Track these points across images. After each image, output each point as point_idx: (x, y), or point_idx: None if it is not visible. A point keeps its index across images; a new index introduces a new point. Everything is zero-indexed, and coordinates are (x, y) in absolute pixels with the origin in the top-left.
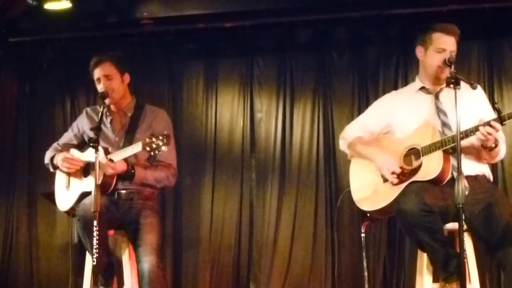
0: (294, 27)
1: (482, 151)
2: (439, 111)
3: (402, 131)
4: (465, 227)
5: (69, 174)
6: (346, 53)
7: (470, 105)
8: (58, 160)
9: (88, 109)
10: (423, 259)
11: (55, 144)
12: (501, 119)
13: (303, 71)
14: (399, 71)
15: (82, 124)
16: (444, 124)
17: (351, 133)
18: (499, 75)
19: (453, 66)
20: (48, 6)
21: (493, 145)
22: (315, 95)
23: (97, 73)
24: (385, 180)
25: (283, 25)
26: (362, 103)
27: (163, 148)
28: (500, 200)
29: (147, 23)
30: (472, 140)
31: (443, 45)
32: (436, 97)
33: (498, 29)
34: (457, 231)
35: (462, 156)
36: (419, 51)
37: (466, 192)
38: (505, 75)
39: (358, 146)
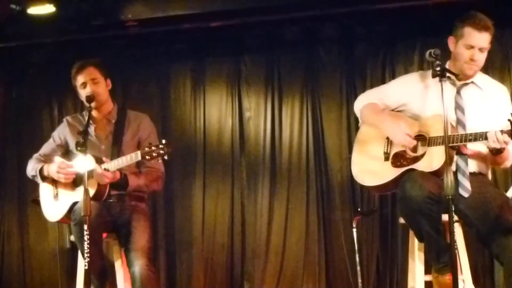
0: (280, 25)
1: (488, 156)
2: (457, 106)
3: (416, 114)
4: (456, 218)
5: (56, 185)
6: (333, 50)
7: (490, 107)
8: (51, 170)
9: (68, 118)
10: (414, 250)
11: (36, 155)
12: None
13: (291, 68)
14: (386, 67)
15: (64, 134)
16: (459, 121)
17: (368, 98)
18: (485, 68)
19: (438, 58)
20: (31, 10)
21: (499, 147)
22: (303, 93)
23: (83, 77)
24: (386, 159)
25: (269, 23)
26: (350, 100)
27: (165, 157)
28: (493, 192)
29: (132, 25)
30: (480, 145)
31: (472, 42)
32: (458, 92)
33: None
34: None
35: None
36: (451, 41)
37: (466, 195)
38: (492, 69)
39: (371, 111)
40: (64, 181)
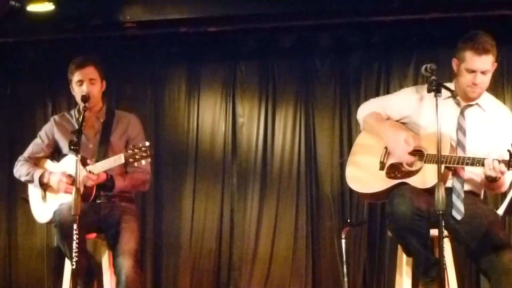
0: (277, 32)
1: (483, 181)
2: (459, 128)
3: (418, 128)
4: (445, 233)
5: (45, 186)
6: (328, 59)
7: (493, 130)
8: (52, 179)
9: (56, 117)
10: (402, 264)
11: (25, 157)
12: (509, 165)
13: (286, 76)
14: (381, 78)
15: (52, 133)
16: (459, 143)
17: (372, 107)
18: None
19: (434, 73)
20: (31, 8)
21: (494, 175)
22: (297, 101)
23: (81, 75)
24: (381, 168)
25: (266, 30)
26: (343, 109)
27: (148, 159)
28: (484, 209)
29: (130, 27)
30: (478, 169)
31: (473, 66)
32: (461, 112)
33: None
34: (437, 237)
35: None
36: (454, 63)
37: (459, 217)
38: None
39: (374, 120)
40: (63, 193)
